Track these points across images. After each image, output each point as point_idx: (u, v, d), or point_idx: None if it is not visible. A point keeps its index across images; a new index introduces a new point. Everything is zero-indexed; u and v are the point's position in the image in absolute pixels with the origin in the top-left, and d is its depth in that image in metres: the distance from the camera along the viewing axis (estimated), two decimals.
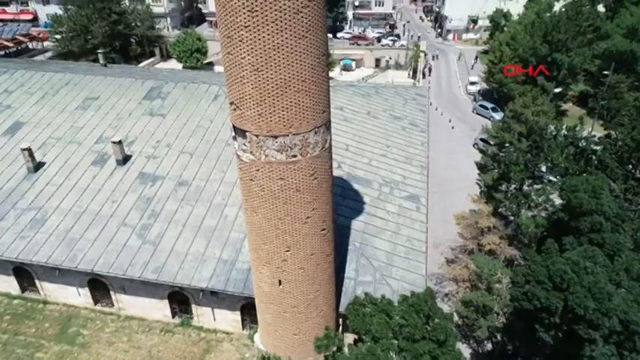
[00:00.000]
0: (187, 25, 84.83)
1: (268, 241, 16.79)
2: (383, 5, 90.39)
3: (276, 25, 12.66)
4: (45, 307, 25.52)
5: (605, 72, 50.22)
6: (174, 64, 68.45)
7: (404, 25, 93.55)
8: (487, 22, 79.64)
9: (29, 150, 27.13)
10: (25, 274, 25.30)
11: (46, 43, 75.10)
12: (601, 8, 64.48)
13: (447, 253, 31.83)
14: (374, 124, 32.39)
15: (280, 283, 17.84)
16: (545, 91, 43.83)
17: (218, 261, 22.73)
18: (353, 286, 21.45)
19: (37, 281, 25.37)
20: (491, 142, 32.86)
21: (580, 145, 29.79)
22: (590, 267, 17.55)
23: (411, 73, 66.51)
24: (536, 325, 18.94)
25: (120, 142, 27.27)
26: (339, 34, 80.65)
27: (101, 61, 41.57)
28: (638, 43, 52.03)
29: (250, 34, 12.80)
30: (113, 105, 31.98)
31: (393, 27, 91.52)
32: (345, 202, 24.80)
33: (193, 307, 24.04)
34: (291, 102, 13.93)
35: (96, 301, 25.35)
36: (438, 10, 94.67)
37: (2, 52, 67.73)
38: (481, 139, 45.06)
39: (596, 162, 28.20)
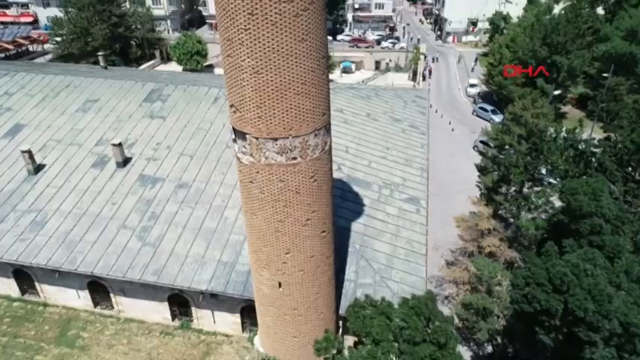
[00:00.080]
0: (187, 28, 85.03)
1: (268, 243, 16.79)
2: (383, 8, 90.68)
3: (276, 27, 12.69)
4: (45, 309, 25.49)
5: (605, 74, 50.30)
6: (174, 67, 68.58)
7: (404, 28, 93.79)
8: (487, 25, 79.84)
9: (29, 152, 27.15)
10: (24, 276, 25.28)
11: (46, 46, 75.28)
12: (600, 11, 64.61)
13: (447, 256, 31.82)
14: (374, 127, 32.42)
15: (280, 286, 17.83)
16: (544, 94, 43.89)
17: (218, 263, 22.72)
18: (353, 289, 21.43)
19: (36, 284, 25.35)
20: (491, 145, 32.90)
21: (580, 147, 29.81)
22: (590, 269, 17.53)
23: (411, 75, 66.62)
24: (536, 327, 18.91)
25: (120, 144, 27.29)
26: (339, 37, 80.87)
27: (101, 64, 41.64)
28: (637, 46, 52.11)
29: (250, 37, 12.84)
30: (113, 107, 32.02)
31: (392, 29, 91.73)
32: (344, 204, 24.80)
33: (193, 309, 24.01)
34: (291, 104, 13.95)
35: (96, 304, 25.32)
36: (437, 12, 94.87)
37: (3, 55, 67.87)
38: (481, 142, 45.14)
39: (595, 164, 28.20)
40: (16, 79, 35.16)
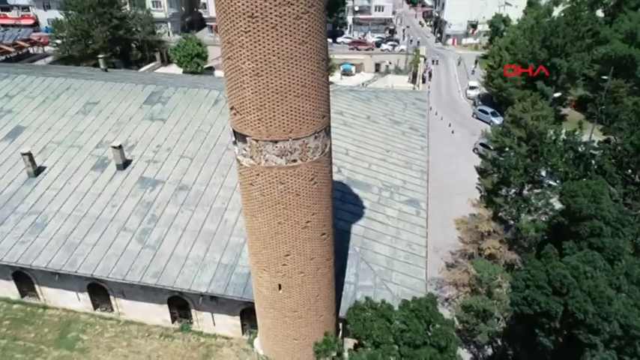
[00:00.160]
0: (188, 30, 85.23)
1: (268, 245, 16.79)
2: (382, 10, 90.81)
3: (277, 30, 12.73)
4: (44, 312, 25.47)
5: (604, 77, 50.37)
6: (174, 69, 68.71)
7: (403, 30, 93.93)
8: (486, 27, 79.98)
9: (29, 154, 27.17)
10: (24, 278, 25.27)
11: (46, 48, 75.35)
12: (600, 13, 64.73)
13: (447, 258, 31.81)
14: (374, 129, 32.45)
15: (280, 288, 17.83)
16: (544, 96, 43.94)
17: (218, 265, 22.72)
18: (353, 291, 21.42)
19: (36, 286, 25.33)
20: (491, 147, 32.94)
21: (579, 150, 29.84)
22: (589, 271, 17.54)
23: (411, 77, 66.72)
24: (536, 329, 18.90)
25: (120, 146, 27.31)
26: (339, 39, 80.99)
27: (102, 66, 41.73)
28: (636, 48, 52.21)
29: (250, 40, 12.87)
30: (113, 110, 32.05)
31: (392, 32, 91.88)
32: (344, 206, 24.81)
33: (193, 311, 23.99)
34: (291, 107, 13.98)
35: (95, 306, 25.31)
36: (437, 15, 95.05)
37: (3, 57, 67.89)
38: (481, 144, 45.16)
39: (595, 167, 28.23)
40: (16, 82, 35.21)
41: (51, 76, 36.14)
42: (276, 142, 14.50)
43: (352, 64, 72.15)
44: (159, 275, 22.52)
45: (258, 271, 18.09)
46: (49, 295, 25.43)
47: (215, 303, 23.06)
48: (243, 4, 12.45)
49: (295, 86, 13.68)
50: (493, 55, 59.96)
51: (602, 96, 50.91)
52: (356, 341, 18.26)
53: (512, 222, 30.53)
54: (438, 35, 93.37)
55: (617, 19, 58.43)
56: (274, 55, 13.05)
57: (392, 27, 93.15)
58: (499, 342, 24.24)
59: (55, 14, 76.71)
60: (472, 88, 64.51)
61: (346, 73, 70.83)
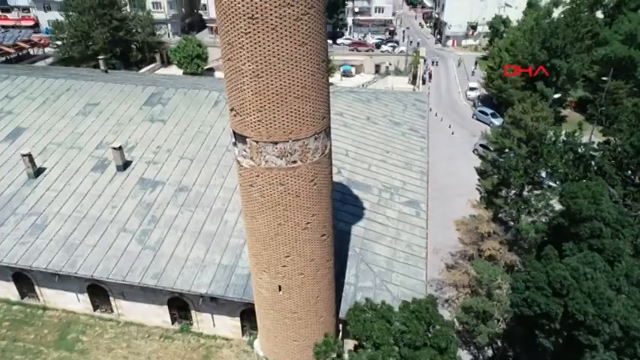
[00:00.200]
0: (188, 32, 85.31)
1: (268, 246, 16.79)
2: (382, 12, 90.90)
3: (277, 32, 12.74)
4: (44, 313, 25.45)
5: (604, 78, 50.42)
6: (174, 70, 68.75)
7: (403, 32, 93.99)
8: (486, 29, 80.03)
9: (30, 156, 27.17)
10: (24, 279, 25.25)
11: (47, 49, 75.44)
12: (599, 14, 64.81)
13: (447, 259, 31.82)
14: (374, 130, 32.47)
15: (280, 289, 17.83)
16: (544, 97, 44.01)
17: (218, 267, 22.71)
18: (353, 292, 21.42)
19: (36, 287, 25.32)
20: (491, 148, 32.97)
21: (579, 151, 29.87)
22: (589, 273, 17.55)
23: (411, 78, 66.78)
24: (536, 331, 18.90)
25: (120, 147, 27.32)
26: (339, 40, 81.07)
27: (102, 67, 41.74)
28: (636, 50, 52.28)
29: (251, 41, 12.89)
30: (114, 111, 32.07)
31: (392, 33, 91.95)
32: (344, 207, 24.82)
33: (193, 313, 23.98)
34: (291, 108, 13.99)
35: (95, 307, 25.29)
36: (437, 16, 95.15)
37: (3, 58, 67.98)
38: (481, 145, 45.19)
39: (595, 168, 28.25)
40: (16, 83, 35.24)
41: (51, 77, 36.16)
42: (276, 143, 14.51)
43: (352, 66, 72.21)
44: (159, 276, 22.52)
45: (258, 273, 18.08)
46: (49, 296, 25.42)
47: (215, 304, 23.05)
48: (243, 6, 12.47)
49: (295, 87, 13.69)
50: (493, 57, 60.04)
51: (602, 97, 50.97)
52: (356, 342, 18.26)
53: (512, 223, 30.54)
54: (438, 36, 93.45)
55: (617, 21, 58.53)
56: (274, 57, 13.07)
57: (392, 28, 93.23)
58: (499, 343, 24.24)
59: (56, 15, 76.82)
60: (472, 89, 64.56)
61: (346, 74, 70.89)
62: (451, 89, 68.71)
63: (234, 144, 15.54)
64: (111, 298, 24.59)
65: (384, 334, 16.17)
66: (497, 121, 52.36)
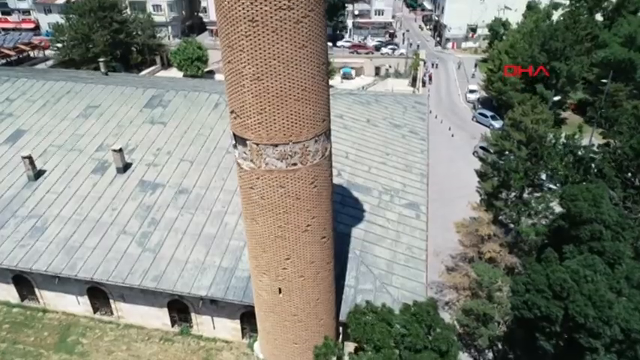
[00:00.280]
0: (188, 34, 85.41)
1: (268, 249, 16.78)
2: (382, 14, 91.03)
3: (277, 34, 12.77)
4: (44, 315, 25.42)
5: (604, 80, 50.48)
6: (174, 73, 68.81)
7: (403, 34, 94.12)
8: (486, 31, 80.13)
9: (30, 158, 27.18)
10: (24, 282, 25.23)
11: (47, 52, 75.56)
12: (599, 17, 64.94)
13: (448, 261, 31.79)
14: (374, 132, 32.49)
15: (280, 292, 17.81)
16: (544, 100, 44.02)
17: (218, 269, 22.69)
18: (353, 294, 21.39)
19: (36, 289, 25.29)
20: (491, 150, 32.95)
21: (579, 153, 29.89)
22: (590, 275, 17.54)
23: (411, 81, 66.87)
24: (536, 333, 18.88)
25: (120, 150, 27.34)
26: (339, 43, 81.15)
27: (102, 70, 41.77)
28: (635, 52, 52.36)
29: (251, 44, 12.91)
30: (114, 113, 32.10)
31: (392, 36, 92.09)
32: (344, 209, 24.81)
33: (193, 315, 23.95)
34: (291, 111, 14.01)
35: (95, 310, 25.26)
36: (437, 18, 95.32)
37: (4, 61, 68.11)
38: (481, 147, 45.18)
39: (595, 170, 28.26)
40: (17, 85, 35.28)
41: (51, 79, 36.21)
42: (276, 145, 14.52)
43: (352, 68, 72.31)
44: (159, 279, 22.49)
45: (258, 275, 18.07)
46: (49, 298, 25.39)
47: (215, 307, 23.02)
48: (243, 8, 12.50)
49: (295, 90, 13.71)
50: (493, 59, 60.10)
51: (602, 99, 51.02)
52: (356, 345, 18.24)
53: (512, 225, 30.52)
54: (438, 39, 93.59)
55: (616, 23, 58.66)
56: (274, 59, 13.09)
57: (392, 31, 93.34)
58: (500, 346, 24.21)
59: (56, 18, 76.99)
60: (472, 91, 64.61)
61: (346, 76, 70.98)
62: (451, 92, 68.78)
63: (235, 146, 15.55)
64: (111, 301, 24.56)
65: (384, 336, 16.15)
66: (497, 124, 52.39)
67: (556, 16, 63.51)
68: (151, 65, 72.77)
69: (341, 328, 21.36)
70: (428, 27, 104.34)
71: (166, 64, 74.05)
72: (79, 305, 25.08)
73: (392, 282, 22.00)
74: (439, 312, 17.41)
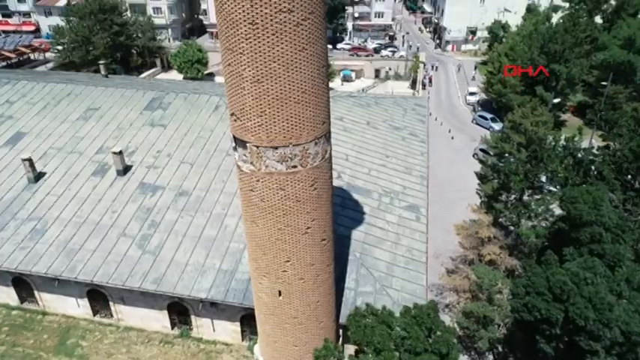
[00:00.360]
0: (188, 37, 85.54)
1: (268, 251, 16.77)
2: (382, 17, 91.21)
3: (277, 37, 12.79)
4: (44, 318, 25.39)
5: (603, 83, 50.53)
6: (175, 75, 68.87)
7: (403, 37, 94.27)
8: (486, 34, 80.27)
9: (30, 160, 27.21)
10: (24, 284, 25.21)
11: (47, 54, 75.64)
12: (598, 20, 65.05)
13: (448, 264, 31.75)
14: (374, 135, 32.51)
15: (280, 294, 17.79)
16: (543, 102, 44.05)
17: (218, 271, 22.68)
18: (353, 297, 21.37)
19: (36, 292, 25.27)
20: (491, 153, 32.97)
21: (579, 155, 29.90)
22: (590, 278, 17.53)
23: (411, 83, 66.94)
24: (537, 336, 18.85)
25: (120, 152, 27.36)
26: (339, 45, 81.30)
27: (102, 72, 41.86)
28: (635, 54, 52.43)
29: (251, 46, 12.94)
30: (114, 115, 32.14)
31: (392, 38, 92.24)
32: (344, 212, 24.80)
33: (193, 318, 23.92)
34: (291, 113, 14.02)
35: (95, 312, 25.24)
36: (436, 21, 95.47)
37: (4, 63, 68.17)
38: (481, 150, 45.22)
39: (595, 172, 28.27)
40: (17, 88, 35.32)
41: (52, 82, 36.26)
42: (276, 148, 14.53)
43: (352, 70, 72.37)
44: (159, 281, 22.48)
45: (258, 278, 18.05)
46: (49, 301, 25.36)
47: (215, 309, 23.00)
48: (244, 11, 12.53)
49: (295, 92, 13.73)
50: (492, 61, 60.17)
51: (602, 102, 51.05)
52: (356, 348, 18.21)
53: (512, 228, 30.50)
54: (438, 41, 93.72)
55: (616, 26, 58.73)
56: (275, 62, 13.11)
57: (392, 33, 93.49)
58: (500, 348, 24.17)
59: (57, 21, 77.12)
60: (472, 94, 64.66)
61: (346, 79, 71.03)
62: (451, 94, 68.84)
63: (235, 149, 15.56)
64: (110, 303, 24.54)
65: (384, 339, 16.13)
66: (497, 126, 52.42)
67: (555, 18, 63.64)
68: (151, 68, 72.81)
69: (341, 331, 21.33)
70: (428, 29, 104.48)
71: (166, 67, 74.11)
72: (78, 308, 25.05)
73: (392, 284, 21.98)
74: (439, 314, 17.38)
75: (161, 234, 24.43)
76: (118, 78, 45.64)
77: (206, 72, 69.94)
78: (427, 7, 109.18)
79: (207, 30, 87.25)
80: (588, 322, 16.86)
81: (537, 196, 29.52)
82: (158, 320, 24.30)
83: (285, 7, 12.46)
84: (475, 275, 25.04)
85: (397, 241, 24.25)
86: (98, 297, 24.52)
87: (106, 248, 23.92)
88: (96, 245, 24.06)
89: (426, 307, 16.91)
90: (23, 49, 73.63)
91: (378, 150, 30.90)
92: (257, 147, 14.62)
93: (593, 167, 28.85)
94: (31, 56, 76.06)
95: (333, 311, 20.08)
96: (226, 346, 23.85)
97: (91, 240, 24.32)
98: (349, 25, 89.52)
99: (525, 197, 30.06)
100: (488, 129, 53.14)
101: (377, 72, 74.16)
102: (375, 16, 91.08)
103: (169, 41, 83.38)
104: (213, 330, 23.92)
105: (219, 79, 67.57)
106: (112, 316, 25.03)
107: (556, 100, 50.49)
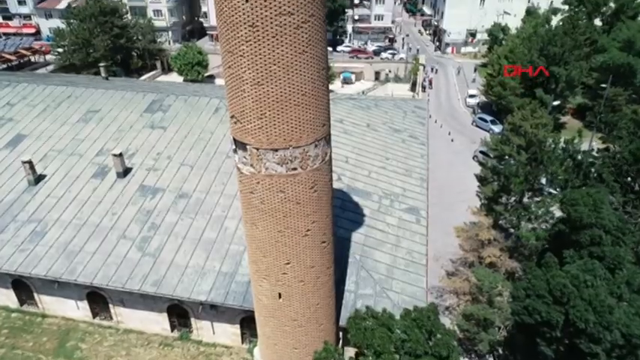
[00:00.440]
0: (188, 39, 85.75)
1: (268, 254, 16.76)
2: (382, 19, 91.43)
3: (277, 39, 12.81)
4: (43, 320, 25.35)
5: (603, 85, 50.59)
6: (175, 78, 69.00)
7: (403, 39, 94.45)
8: (485, 36, 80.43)
9: (30, 162, 27.21)
10: (23, 287, 25.19)
11: (48, 57, 75.74)
12: (598, 22, 65.18)
13: (448, 266, 31.74)
14: (373, 137, 32.53)
15: (280, 297, 17.76)
16: (543, 104, 44.07)
17: (218, 274, 22.66)
18: (353, 299, 21.35)
19: (35, 294, 25.24)
20: (491, 155, 32.98)
21: (578, 158, 29.92)
22: (590, 280, 17.52)
23: (411, 85, 67.03)
24: (537, 339, 18.83)
25: (120, 154, 27.37)
26: (339, 48, 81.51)
27: (103, 74, 41.92)
28: (634, 57, 52.52)
29: (251, 49, 12.95)
30: (114, 118, 32.16)
31: (392, 40, 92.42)
32: (344, 214, 24.80)
33: (192, 320, 23.89)
34: (291, 115, 14.03)
35: (95, 315, 25.20)
36: (436, 23, 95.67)
37: (5, 66, 68.25)
38: (480, 152, 45.26)
39: (594, 175, 28.29)
40: (17, 90, 35.36)
41: (52, 84, 36.30)
42: (276, 150, 14.53)
43: (352, 73, 72.50)
44: (158, 283, 22.46)
45: (258, 280, 18.03)
46: (48, 303, 25.33)
47: (215, 311, 22.97)
48: (244, 14, 12.55)
49: (296, 95, 13.74)
50: (492, 64, 60.28)
51: (601, 104, 51.09)
52: (356, 350, 18.18)
53: (512, 230, 30.49)
54: (437, 44, 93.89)
55: (615, 28, 58.86)
56: (275, 64, 13.12)
57: (391, 36, 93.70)
58: (500, 351, 24.13)
59: (57, 23, 77.25)
60: (471, 96, 64.77)
61: (346, 81, 71.16)
62: (451, 96, 68.93)
63: (235, 151, 15.56)
64: (110, 306, 24.51)
65: (384, 342, 16.10)
66: (497, 128, 52.48)
67: (555, 21, 63.79)
68: (151, 70, 72.94)
69: (341, 334, 21.30)
70: (427, 32, 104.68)
71: (167, 69, 74.25)
72: (78, 310, 25.03)
73: (392, 287, 21.96)
74: (439, 317, 17.36)
75: (161, 236, 24.42)
76: (118, 80, 45.71)
77: (206, 74, 70.06)
78: (427, 10, 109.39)
79: (208, 32, 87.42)
80: (589, 324, 16.85)
81: (537, 199, 29.53)
82: (158, 323, 24.27)
83: (285, 9, 12.48)
84: (475, 278, 25.03)
85: (397, 243, 24.24)
86: (98, 299, 24.49)
87: (105, 250, 23.90)
88: (96, 247, 24.05)
89: (427, 310, 16.89)
90: (24, 52, 73.77)
91: (378, 152, 30.91)
92: (257, 149, 14.62)
93: (592, 169, 28.88)
94: (32, 59, 76.18)
95: (333, 314, 20.06)
96: (226, 348, 23.81)
97: (91, 242, 24.31)
98: (349, 27, 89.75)
99: (525, 199, 30.07)
100: (488, 131, 53.21)
101: (377, 74, 74.29)
102: (375, 19, 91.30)
103: (169, 44, 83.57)
104: (213, 332, 23.88)
105: (219, 81, 67.67)
106: (111, 318, 25.00)
107: (556, 103, 50.56)
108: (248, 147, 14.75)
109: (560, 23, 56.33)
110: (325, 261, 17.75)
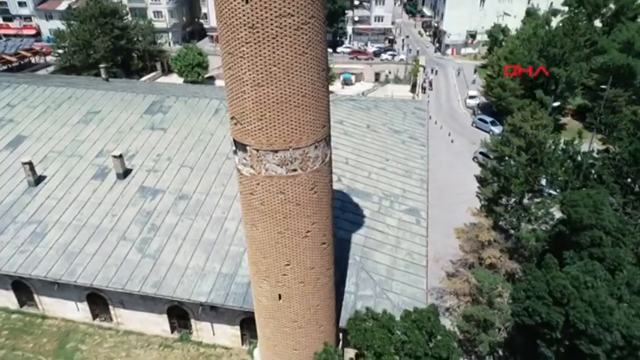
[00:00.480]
0: (189, 40, 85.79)
1: (268, 255, 16.76)
2: (382, 20, 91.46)
3: (277, 41, 12.82)
4: (43, 321, 25.35)
5: (603, 86, 50.60)
6: (175, 79, 69.03)
7: (403, 40, 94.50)
8: (485, 37, 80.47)
9: (30, 164, 27.23)
10: (23, 288, 25.19)
11: (48, 58, 75.85)
12: (597, 23, 65.24)
13: (448, 267, 31.70)
14: (373, 138, 32.55)
15: (280, 298, 17.76)
16: (543, 105, 44.13)
17: (218, 275, 22.65)
18: (353, 301, 21.34)
19: (35, 296, 25.24)
20: (491, 156, 32.98)
21: (578, 158, 29.92)
22: (590, 281, 17.51)
23: (411, 87, 67.06)
24: (537, 340, 18.82)
25: (120, 155, 27.38)
26: (339, 49, 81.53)
27: (103, 76, 41.95)
28: (634, 58, 52.54)
29: (251, 50, 12.97)
30: (114, 119, 32.18)
31: (392, 42, 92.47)
32: (345, 215, 24.81)
33: (192, 321, 23.88)
34: (291, 117, 14.04)
35: (95, 316, 25.20)
36: (436, 25, 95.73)
37: (5, 67, 68.34)
38: (480, 153, 45.25)
39: (594, 176, 28.29)
40: (18, 91, 35.39)
41: (52, 85, 36.34)
42: (276, 151, 14.54)
43: (352, 74, 72.52)
44: (158, 285, 22.45)
45: (258, 281, 18.03)
46: (48, 304, 25.32)
47: (215, 313, 22.96)
48: (244, 15, 12.56)
49: (296, 96, 13.75)
50: (492, 65, 60.30)
51: (601, 105, 51.10)
52: (356, 352, 18.17)
53: (512, 231, 30.48)
54: (437, 45, 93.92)
55: (615, 29, 58.88)
56: (275, 66, 13.14)
57: (391, 37, 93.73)
58: (500, 352, 24.10)
59: (57, 24, 77.33)
60: (471, 97, 64.77)
61: (346, 82, 71.18)
62: (451, 97, 68.95)
63: (235, 152, 15.57)
64: (110, 307, 24.50)
65: (384, 343, 16.10)
66: (497, 129, 52.48)
67: (555, 22, 63.83)
68: (151, 71, 72.98)
69: (341, 335, 21.29)
70: (427, 33, 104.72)
71: (167, 70, 74.29)
72: (78, 311, 25.02)
73: (392, 288, 21.95)
74: (439, 318, 17.36)
75: (161, 237, 24.42)
76: (118, 81, 45.75)
77: (206, 75, 70.07)
78: (427, 11, 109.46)
79: (208, 34, 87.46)
80: (589, 325, 16.84)
81: (537, 200, 29.53)
82: (158, 324, 24.26)
83: (285, 11, 12.50)
84: (475, 279, 25.02)
85: (397, 244, 24.24)
86: (98, 301, 24.49)
87: (105, 252, 23.90)
88: (96, 249, 24.05)
89: (427, 311, 16.88)
90: (24, 53, 73.85)
91: (377, 153, 30.92)
92: (257, 150, 14.63)
93: (592, 170, 28.87)
94: (32, 60, 76.27)
95: (333, 315, 20.05)
96: (226, 349, 23.80)
97: (91, 243, 24.31)
98: (349, 28, 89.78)
99: (525, 200, 30.06)
100: (488, 132, 53.20)
101: (377, 75, 74.32)
102: (375, 20, 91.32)
103: (170, 45, 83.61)
104: (213, 334, 23.87)
105: (219, 82, 67.70)
106: (111, 319, 24.99)
107: (556, 104, 50.59)
108: (248, 148, 14.76)
109: (560, 24, 56.34)
110: (325, 262, 17.74)
